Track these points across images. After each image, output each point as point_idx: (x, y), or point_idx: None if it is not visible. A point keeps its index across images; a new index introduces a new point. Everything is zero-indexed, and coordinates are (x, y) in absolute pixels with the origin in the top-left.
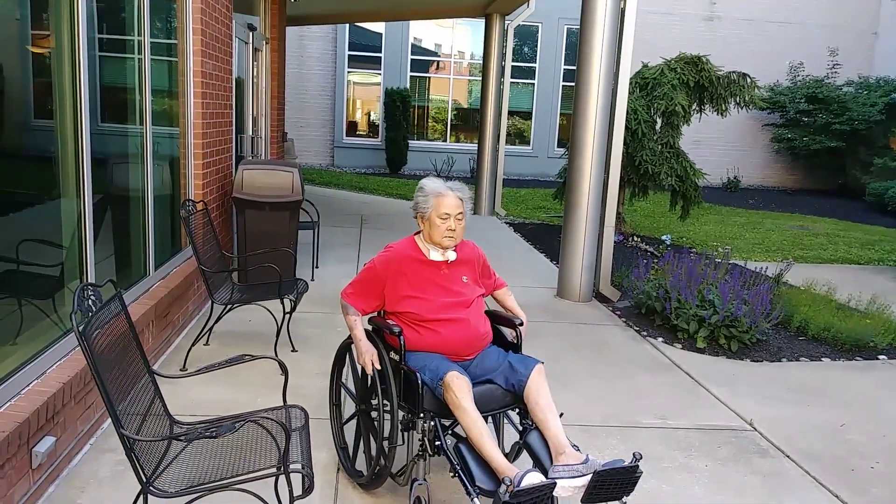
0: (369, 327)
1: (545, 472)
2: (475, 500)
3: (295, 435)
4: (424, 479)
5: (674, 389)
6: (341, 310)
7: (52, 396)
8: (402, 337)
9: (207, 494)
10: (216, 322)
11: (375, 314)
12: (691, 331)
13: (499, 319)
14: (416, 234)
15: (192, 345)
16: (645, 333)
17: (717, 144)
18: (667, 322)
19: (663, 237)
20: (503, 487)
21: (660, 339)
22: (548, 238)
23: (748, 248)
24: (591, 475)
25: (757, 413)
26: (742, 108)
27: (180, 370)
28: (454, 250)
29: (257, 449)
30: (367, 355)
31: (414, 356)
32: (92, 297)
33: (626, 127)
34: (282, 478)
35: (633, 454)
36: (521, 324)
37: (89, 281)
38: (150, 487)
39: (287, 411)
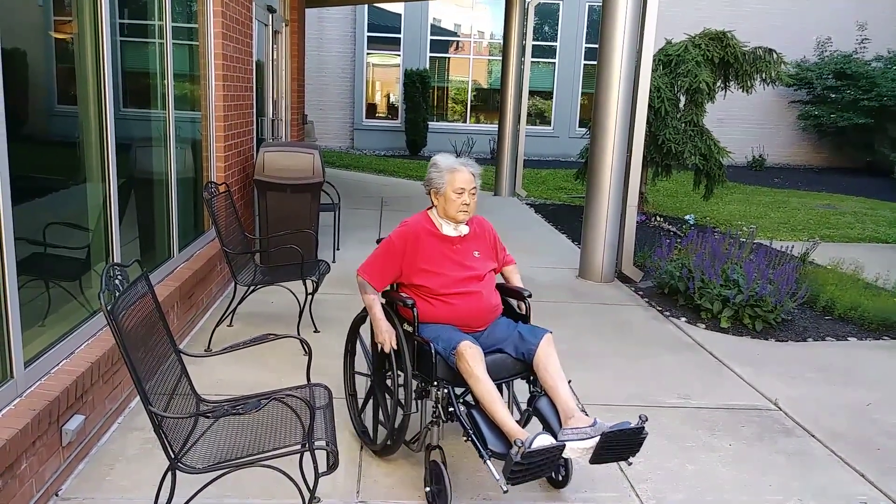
0: (382, 300)
1: (555, 436)
2: (488, 462)
3: (319, 413)
4: (438, 445)
5: (697, 369)
6: (358, 288)
7: (81, 376)
8: (415, 309)
9: (234, 470)
10: (239, 303)
11: (389, 287)
12: (715, 311)
13: (508, 292)
14: (428, 209)
15: (217, 326)
16: (668, 313)
17: (742, 122)
18: (690, 302)
19: (686, 217)
20: (515, 449)
21: (683, 319)
22: (569, 218)
23: (773, 227)
24: (598, 437)
25: (782, 392)
26: (768, 85)
27: (205, 350)
28: (467, 225)
29: (282, 427)
30: (387, 335)
31: (427, 327)
32: (119, 277)
33: (649, 105)
34: (307, 455)
35: (640, 416)
36: (530, 296)
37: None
38: (179, 463)
39: (311, 390)
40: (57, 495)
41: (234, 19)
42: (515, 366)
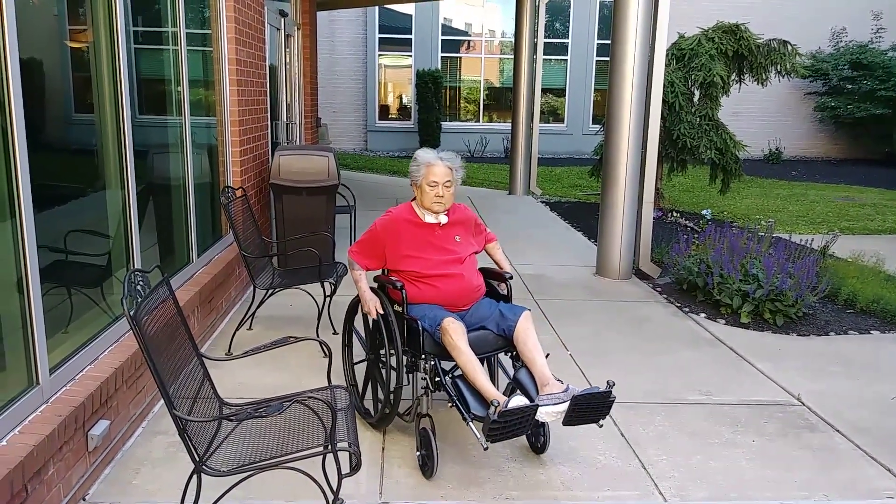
0: (374, 284)
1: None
2: (470, 424)
3: (341, 414)
4: (428, 414)
5: (718, 365)
6: (348, 266)
7: (106, 381)
8: (404, 290)
9: (258, 473)
10: (258, 307)
11: (380, 272)
12: (735, 306)
13: (491, 275)
14: (412, 200)
15: (236, 329)
16: (687, 309)
17: (758, 115)
18: (709, 297)
19: (703, 212)
20: (492, 409)
21: (702, 314)
22: (585, 216)
23: (792, 220)
24: (569, 401)
25: (805, 387)
26: (783, 77)
27: (225, 354)
28: (446, 214)
29: (304, 429)
30: (371, 303)
31: (415, 307)
32: (140, 283)
33: (663, 100)
34: (329, 456)
35: (607, 381)
36: (511, 277)
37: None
38: (203, 466)
39: (332, 391)
40: (84, 500)
41: (247, 24)
42: (497, 341)
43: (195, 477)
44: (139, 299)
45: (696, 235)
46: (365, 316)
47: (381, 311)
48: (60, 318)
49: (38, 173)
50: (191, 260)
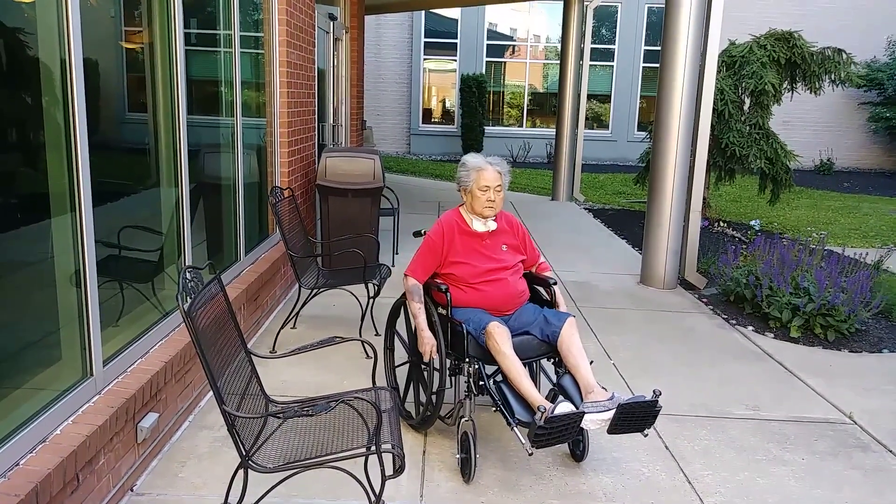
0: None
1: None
2: (515, 429)
3: (385, 416)
4: (470, 417)
5: (766, 379)
6: (406, 288)
7: (156, 374)
8: (448, 294)
9: (303, 471)
10: (303, 306)
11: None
12: (784, 319)
13: (535, 280)
14: (460, 206)
15: (281, 328)
16: (734, 322)
17: (809, 125)
18: (757, 310)
19: (752, 222)
20: (538, 415)
21: (749, 327)
22: (629, 224)
23: (844, 233)
24: (615, 409)
25: (857, 405)
26: (836, 86)
27: (270, 352)
28: (495, 220)
29: (348, 429)
30: (428, 346)
31: (459, 311)
32: (193, 280)
33: (713, 108)
34: (372, 457)
35: (654, 391)
36: (555, 283)
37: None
38: (250, 462)
39: (377, 392)
40: (132, 490)
41: (298, 28)
42: (541, 347)
43: (241, 472)
44: (193, 295)
45: (743, 246)
46: (408, 318)
47: (436, 357)
48: (113, 311)
49: (95, 170)
50: (239, 258)
